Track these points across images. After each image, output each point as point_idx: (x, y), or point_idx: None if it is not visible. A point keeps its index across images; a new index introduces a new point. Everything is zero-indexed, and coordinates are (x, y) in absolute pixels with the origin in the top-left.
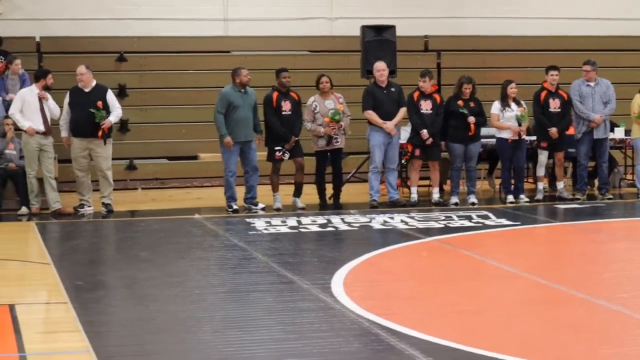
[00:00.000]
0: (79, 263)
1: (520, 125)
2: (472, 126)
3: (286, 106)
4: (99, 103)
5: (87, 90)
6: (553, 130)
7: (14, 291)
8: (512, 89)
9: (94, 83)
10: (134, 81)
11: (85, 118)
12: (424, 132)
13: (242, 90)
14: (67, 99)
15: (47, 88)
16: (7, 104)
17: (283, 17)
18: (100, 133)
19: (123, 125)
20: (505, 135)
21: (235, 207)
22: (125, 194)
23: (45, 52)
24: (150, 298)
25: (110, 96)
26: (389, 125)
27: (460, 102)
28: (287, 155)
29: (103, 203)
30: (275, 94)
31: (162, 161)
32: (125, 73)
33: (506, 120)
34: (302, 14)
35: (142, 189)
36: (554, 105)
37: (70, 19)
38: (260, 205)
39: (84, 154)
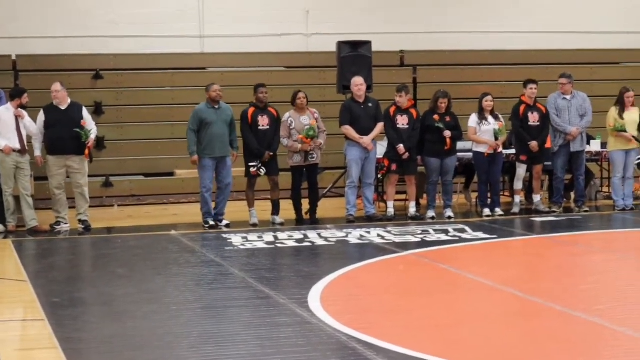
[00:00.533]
0: (56, 280)
1: (497, 139)
2: (448, 140)
3: (263, 121)
4: (83, 122)
5: (63, 107)
6: (534, 144)
7: None
8: (486, 102)
9: (69, 100)
10: (111, 98)
11: (64, 136)
12: (401, 147)
13: (216, 107)
14: (41, 117)
15: (22, 107)
16: None
17: (259, 34)
18: (87, 152)
19: (99, 142)
20: (482, 149)
21: (211, 222)
22: (101, 210)
23: (21, 70)
24: (128, 315)
25: (86, 114)
26: (366, 140)
27: (436, 117)
28: (263, 171)
29: (80, 220)
30: (251, 110)
31: (138, 178)
32: (102, 90)
33: (483, 134)
34: (278, 30)
35: (119, 205)
36: (533, 118)
37: (47, 37)
38: (225, 222)
39: (61, 171)
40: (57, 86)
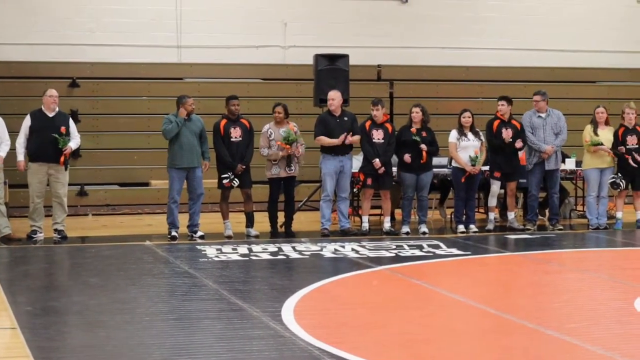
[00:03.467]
0: (29, 288)
1: (474, 165)
2: (424, 154)
3: (235, 133)
4: (63, 129)
5: (50, 115)
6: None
7: None
8: (464, 119)
9: (56, 109)
10: (87, 107)
11: (48, 143)
12: (377, 161)
13: (186, 118)
14: (27, 122)
15: None
16: None
17: (237, 45)
18: (62, 159)
19: (75, 150)
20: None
21: (174, 233)
22: (75, 219)
23: None
24: (100, 324)
25: (72, 124)
26: (342, 138)
27: (413, 129)
28: (236, 183)
29: (56, 230)
30: (223, 122)
31: (113, 187)
32: (78, 99)
33: (462, 150)
34: (255, 42)
35: (93, 215)
36: (507, 134)
37: (23, 43)
38: (199, 234)
39: (44, 179)
40: (55, 92)
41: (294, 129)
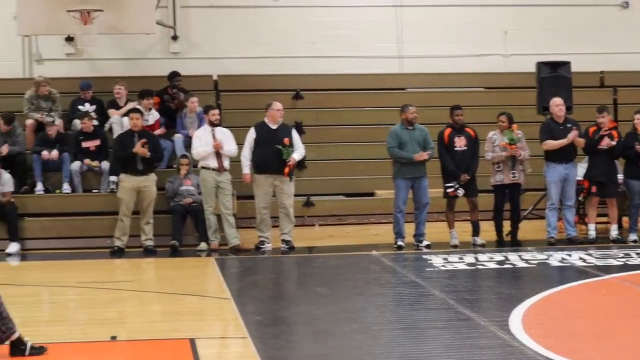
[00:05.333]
0: (258, 298)
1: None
2: None
3: (460, 142)
4: (286, 140)
5: (274, 127)
6: None
7: (194, 325)
8: None
9: (280, 121)
10: (311, 118)
11: (272, 155)
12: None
13: (410, 127)
14: (252, 135)
15: (211, 124)
16: (187, 141)
17: (457, 54)
18: (286, 170)
19: (300, 162)
20: None
21: (400, 243)
22: (302, 230)
23: (222, 90)
24: (328, 334)
25: (295, 135)
26: (570, 136)
27: None
28: (461, 192)
29: (283, 240)
30: (447, 131)
31: (339, 198)
32: (302, 110)
33: None
34: (476, 51)
35: (320, 225)
36: None
37: (247, 57)
38: (425, 243)
39: (268, 190)
40: (280, 105)
41: (516, 131)
